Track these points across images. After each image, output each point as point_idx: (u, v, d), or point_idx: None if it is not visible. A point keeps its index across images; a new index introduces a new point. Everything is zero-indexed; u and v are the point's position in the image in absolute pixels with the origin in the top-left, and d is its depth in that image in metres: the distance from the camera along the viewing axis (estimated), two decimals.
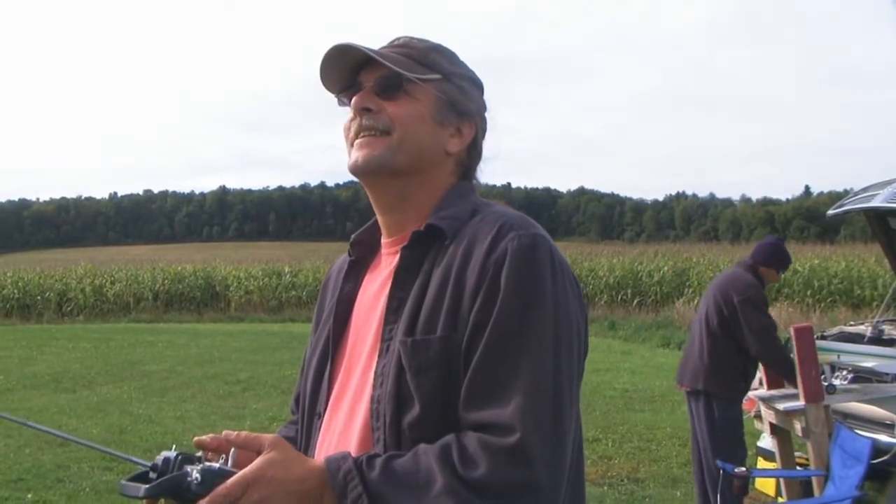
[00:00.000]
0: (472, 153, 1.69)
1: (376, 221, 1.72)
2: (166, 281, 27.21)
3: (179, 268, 29.22)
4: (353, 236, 1.76)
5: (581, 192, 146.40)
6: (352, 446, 1.50)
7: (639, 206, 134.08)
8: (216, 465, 1.34)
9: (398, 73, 1.58)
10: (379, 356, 1.52)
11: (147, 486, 1.31)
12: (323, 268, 26.88)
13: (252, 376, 12.88)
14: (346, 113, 1.66)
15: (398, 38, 1.67)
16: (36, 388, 11.96)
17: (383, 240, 1.70)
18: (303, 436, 1.72)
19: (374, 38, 1.65)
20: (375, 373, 1.51)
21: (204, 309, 26.15)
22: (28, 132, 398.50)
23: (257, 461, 1.34)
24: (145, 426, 9.25)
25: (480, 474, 1.32)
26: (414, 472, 1.34)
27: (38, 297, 26.22)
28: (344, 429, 1.56)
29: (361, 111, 1.60)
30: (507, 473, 1.33)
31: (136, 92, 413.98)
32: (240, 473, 1.31)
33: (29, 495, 6.56)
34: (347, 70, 1.64)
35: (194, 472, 1.31)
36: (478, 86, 1.71)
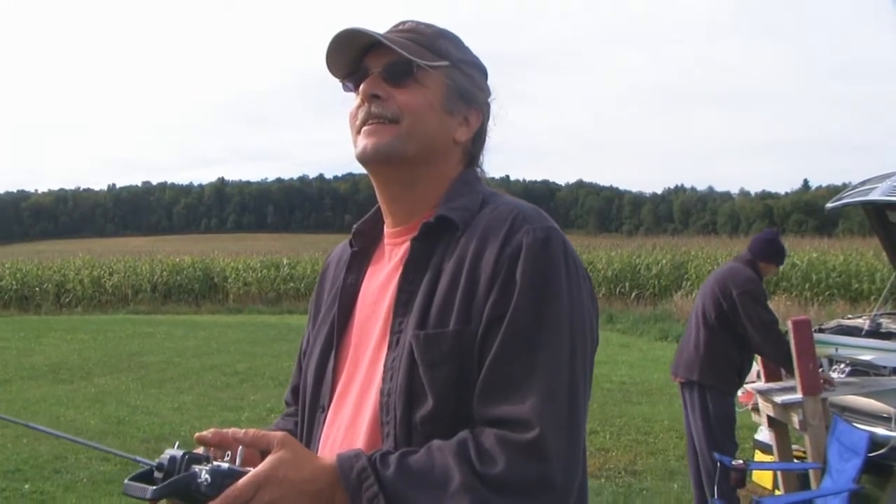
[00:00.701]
0: (478, 141, 1.67)
1: (378, 211, 1.69)
2: (164, 272, 27.24)
3: (178, 259, 29.20)
4: (355, 226, 1.72)
5: (579, 184, 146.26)
6: (359, 441, 1.48)
7: (637, 200, 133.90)
8: (225, 464, 1.30)
9: (408, 60, 1.54)
10: (388, 349, 1.49)
11: (154, 487, 1.26)
12: (321, 260, 26.83)
13: (250, 368, 12.89)
14: (348, 103, 1.63)
15: (404, 23, 1.64)
16: (34, 379, 11.97)
17: (387, 229, 1.67)
18: (303, 429, 1.68)
19: (372, 27, 1.60)
20: (385, 366, 1.48)
21: (202, 300, 26.18)
22: (27, 124, 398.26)
23: (268, 460, 1.30)
24: (143, 417, 9.24)
25: (499, 471, 1.30)
26: (430, 468, 1.32)
27: (37, 289, 26.29)
28: (350, 423, 1.53)
29: (370, 98, 1.56)
30: (525, 469, 1.31)
31: (135, 84, 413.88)
32: (251, 473, 1.27)
33: (26, 486, 6.56)
34: (353, 54, 1.60)
35: (203, 472, 1.27)
36: (483, 72, 1.68)
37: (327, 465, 1.34)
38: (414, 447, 1.38)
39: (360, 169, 1.61)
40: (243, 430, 1.39)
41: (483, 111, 1.65)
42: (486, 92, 1.67)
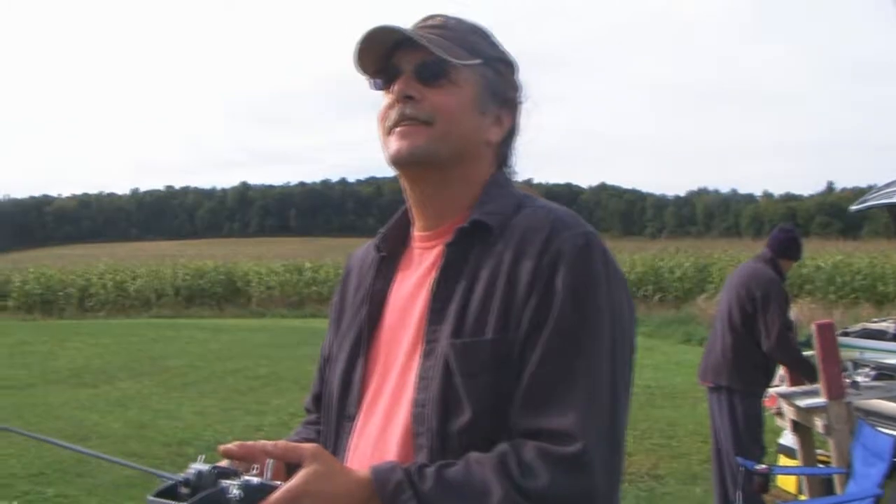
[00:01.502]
0: (510, 141, 1.62)
1: (404, 214, 1.65)
2: (187, 276, 27.40)
3: (201, 263, 29.39)
4: (382, 230, 1.68)
5: (602, 187, 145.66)
6: (391, 453, 1.44)
7: (660, 202, 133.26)
8: (256, 479, 1.24)
9: (443, 59, 1.49)
10: (422, 358, 1.45)
11: None
12: (344, 264, 26.89)
13: (273, 372, 12.92)
14: (374, 106, 1.58)
15: (433, 17, 1.58)
16: (57, 383, 12.02)
17: (416, 233, 1.62)
18: (329, 439, 1.62)
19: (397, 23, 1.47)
20: (419, 375, 1.44)
21: (225, 304, 26.27)
22: (50, 128, 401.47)
23: (301, 474, 1.26)
24: (165, 421, 9.25)
25: (541, 485, 1.26)
26: (468, 482, 1.28)
27: (60, 293, 26.41)
28: (380, 434, 1.49)
29: (403, 99, 1.51)
30: (568, 483, 1.28)
31: (158, 88, 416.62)
32: (284, 488, 1.23)
33: (50, 490, 6.59)
34: (382, 51, 1.54)
35: (233, 487, 1.21)
36: (514, 68, 1.63)
37: (362, 478, 1.30)
38: (450, 460, 1.34)
39: (383, 172, 1.60)
40: (272, 443, 1.34)
41: (515, 110, 1.61)
42: (518, 89, 1.62)
